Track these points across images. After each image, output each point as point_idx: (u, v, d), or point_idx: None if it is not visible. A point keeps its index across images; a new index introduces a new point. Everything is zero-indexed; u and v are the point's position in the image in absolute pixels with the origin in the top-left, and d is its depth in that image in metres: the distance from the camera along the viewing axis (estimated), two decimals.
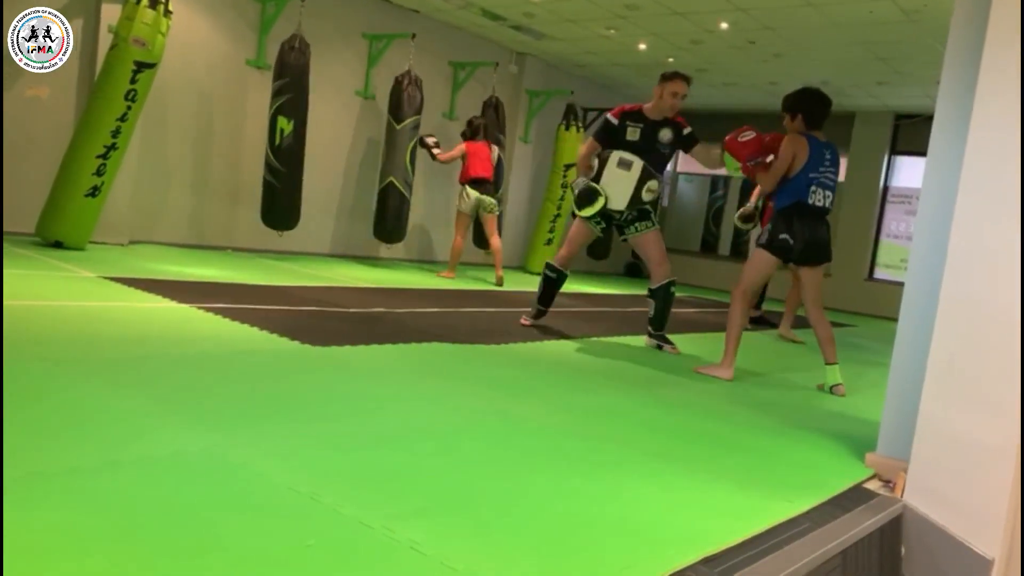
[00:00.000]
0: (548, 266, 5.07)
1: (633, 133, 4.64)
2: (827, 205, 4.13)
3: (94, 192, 5.83)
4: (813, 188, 4.04)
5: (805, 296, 4.27)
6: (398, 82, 7.83)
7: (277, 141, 7.05)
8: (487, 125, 8.00)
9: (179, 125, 7.15)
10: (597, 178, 4.71)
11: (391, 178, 7.85)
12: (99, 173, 5.81)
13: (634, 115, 4.69)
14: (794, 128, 4.15)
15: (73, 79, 6.44)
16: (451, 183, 9.62)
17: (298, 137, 7.12)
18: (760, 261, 4.19)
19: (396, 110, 7.81)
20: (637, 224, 4.78)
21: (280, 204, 7.22)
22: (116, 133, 5.80)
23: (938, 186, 2.65)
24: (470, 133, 7.68)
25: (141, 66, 5.74)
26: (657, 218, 4.86)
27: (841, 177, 11.68)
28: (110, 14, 6.26)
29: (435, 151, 7.64)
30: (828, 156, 4.12)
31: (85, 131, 5.83)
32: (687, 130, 4.74)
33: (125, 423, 2.16)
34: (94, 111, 5.81)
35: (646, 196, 4.65)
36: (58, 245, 5.82)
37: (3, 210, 5.74)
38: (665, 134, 4.68)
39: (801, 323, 6.83)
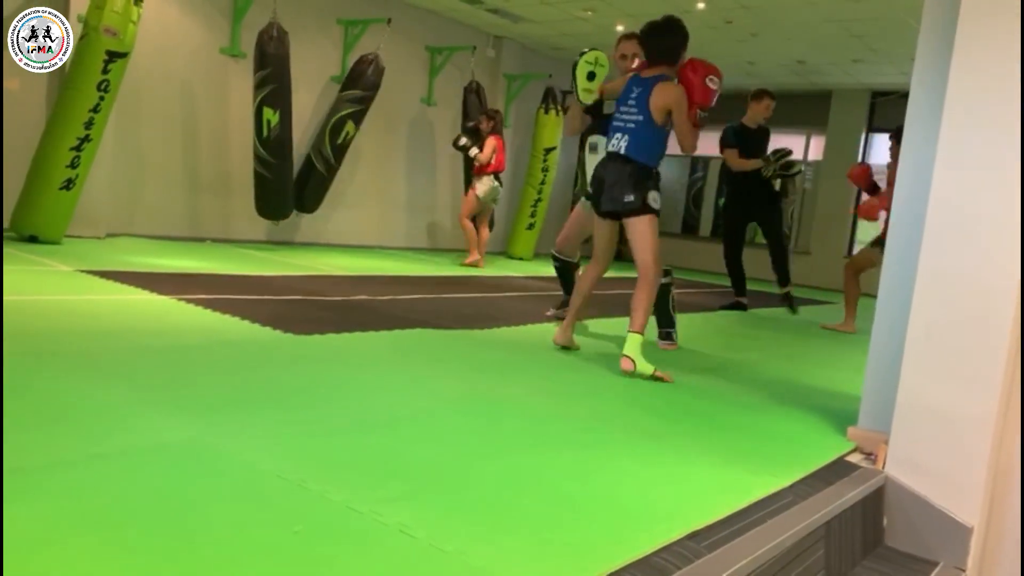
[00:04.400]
0: (552, 255, 4.91)
1: (609, 105, 4.30)
2: (621, 151, 3.55)
3: (69, 185, 5.75)
4: (612, 132, 3.64)
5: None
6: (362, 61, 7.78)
7: (265, 133, 7.02)
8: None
9: (154, 116, 7.06)
10: (581, 164, 4.53)
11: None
12: (73, 166, 5.73)
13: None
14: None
15: None
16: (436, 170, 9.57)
17: (285, 127, 7.10)
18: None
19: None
20: None
21: (273, 195, 7.26)
22: (89, 124, 5.72)
23: (914, 161, 2.67)
24: (491, 128, 7.84)
25: (113, 56, 5.65)
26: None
27: (819, 155, 11.70)
28: (79, 3, 6.14)
29: (471, 152, 7.77)
30: (634, 93, 3.60)
31: (58, 123, 5.74)
32: None
33: (108, 415, 2.14)
34: (66, 103, 5.72)
35: None
36: (33, 239, 5.74)
37: (2, 210, 5.65)
38: None
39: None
